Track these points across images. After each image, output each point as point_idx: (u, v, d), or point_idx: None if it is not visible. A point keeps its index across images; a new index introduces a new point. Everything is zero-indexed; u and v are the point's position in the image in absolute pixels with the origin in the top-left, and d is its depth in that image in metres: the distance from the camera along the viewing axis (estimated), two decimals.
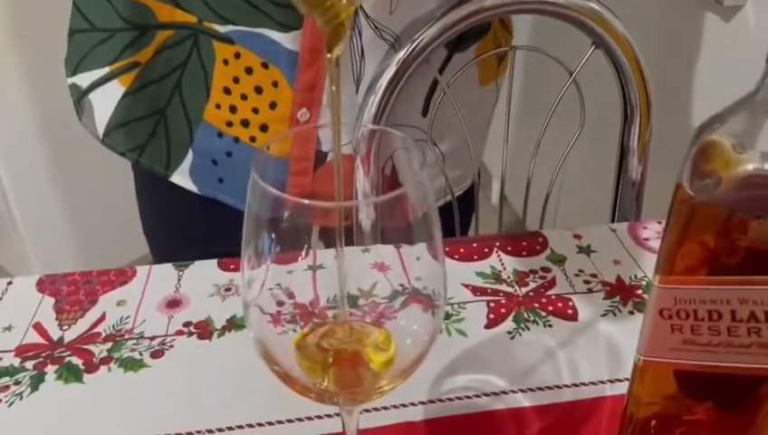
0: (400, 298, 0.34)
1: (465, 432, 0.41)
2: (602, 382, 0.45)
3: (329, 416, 0.42)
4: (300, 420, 0.42)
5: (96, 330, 0.48)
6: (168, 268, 0.54)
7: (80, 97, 0.65)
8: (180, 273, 0.53)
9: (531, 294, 0.52)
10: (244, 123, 0.60)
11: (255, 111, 0.59)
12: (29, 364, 0.45)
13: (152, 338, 0.47)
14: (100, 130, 0.65)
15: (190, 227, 0.69)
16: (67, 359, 0.45)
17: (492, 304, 0.51)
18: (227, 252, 0.53)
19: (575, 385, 0.44)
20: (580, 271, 0.55)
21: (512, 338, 0.48)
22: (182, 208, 0.67)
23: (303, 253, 0.34)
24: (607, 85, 0.66)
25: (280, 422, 0.41)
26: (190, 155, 0.62)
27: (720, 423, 0.34)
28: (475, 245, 0.57)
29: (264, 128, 0.59)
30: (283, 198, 0.27)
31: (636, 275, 0.54)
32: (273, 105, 0.58)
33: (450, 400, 0.43)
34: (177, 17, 0.57)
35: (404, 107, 0.61)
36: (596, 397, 0.43)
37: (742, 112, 0.30)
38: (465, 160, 0.69)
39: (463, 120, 0.65)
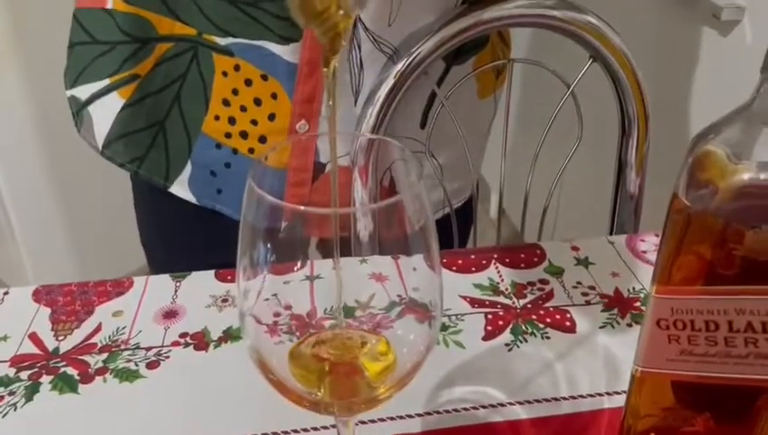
0: (397, 308, 0.34)
1: None
2: (600, 395, 0.44)
3: (325, 428, 0.41)
4: (296, 431, 0.41)
5: (92, 340, 0.48)
6: (164, 279, 0.54)
7: (79, 109, 0.65)
8: (177, 284, 0.53)
9: (529, 306, 0.52)
10: (243, 135, 0.60)
11: (254, 122, 0.59)
12: (24, 375, 0.45)
13: (148, 349, 0.47)
14: (100, 141, 0.65)
15: (188, 238, 0.69)
16: (62, 369, 0.45)
17: (490, 316, 0.51)
18: (225, 263, 0.53)
19: (573, 398, 0.44)
20: (578, 283, 0.55)
21: (509, 350, 0.48)
22: (180, 219, 0.67)
23: (300, 263, 0.34)
24: (604, 98, 0.67)
25: (275, 434, 0.41)
26: (189, 166, 0.62)
27: None
28: (472, 256, 0.57)
29: (262, 139, 0.60)
30: (280, 205, 0.27)
31: (634, 288, 0.54)
32: (271, 117, 0.58)
33: (447, 412, 0.43)
34: (176, 30, 0.58)
35: (402, 119, 0.61)
36: (594, 409, 0.43)
37: (737, 123, 0.30)
38: (463, 173, 0.70)
39: (461, 133, 0.65)
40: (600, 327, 0.50)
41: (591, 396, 0.44)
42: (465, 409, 0.43)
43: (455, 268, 0.56)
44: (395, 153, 0.37)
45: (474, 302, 0.52)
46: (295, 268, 0.34)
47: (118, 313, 0.50)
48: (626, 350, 0.48)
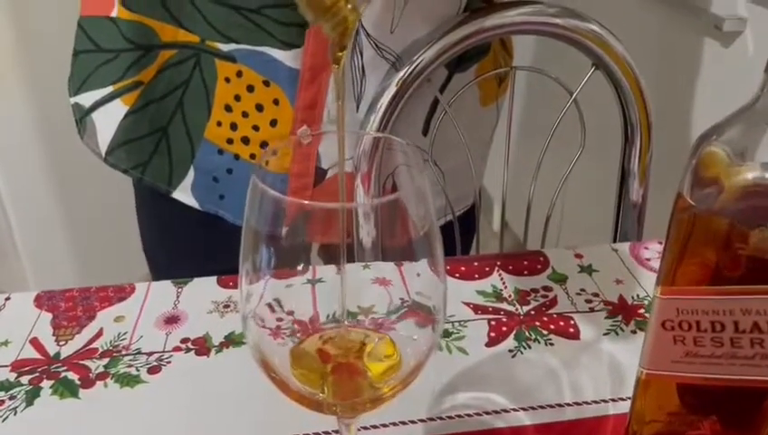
0: (400, 311, 0.34)
1: None
2: (605, 401, 0.44)
3: (327, 433, 0.41)
4: None
5: (93, 345, 0.48)
6: (166, 285, 0.53)
7: (82, 116, 0.65)
8: (179, 290, 0.53)
9: (532, 312, 0.52)
10: (245, 141, 0.60)
11: (256, 128, 0.59)
12: (24, 379, 0.45)
13: (149, 354, 0.47)
14: (103, 148, 0.65)
15: (190, 244, 0.69)
16: (63, 374, 0.45)
17: (493, 323, 0.50)
18: (226, 269, 0.53)
19: (577, 404, 0.44)
20: (582, 290, 0.54)
21: (513, 356, 0.48)
22: (182, 224, 0.67)
23: (302, 267, 0.34)
24: (607, 106, 0.67)
25: None
26: (192, 172, 0.62)
27: None
28: (476, 263, 0.57)
29: (264, 145, 0.60)
30: (283, 202, 0.27)
31: (638, 295, 0.54)
32: (273, 123, 0.59)
33: (451, 418, 0.42)
34: (179, 37, 0.58)
35: (404, 126, 0.61)
36: (598, 416, 0.43)
37: (741, 123, 0.30)
38: (465, 180, 0.69)
39: (463, 140, 0.65)
40: (605, 334, 0.50)
41: (596, 402, 0.44)
42: (469, 415, 0.43)
43: (458, 275, 0.56)
44: (398, 158, 0.37)
45: (477, 308, 0.52)
46: (297, 272, 0.34)
47: (119, 318, 0.50)
48: (630, 356, 0.47)
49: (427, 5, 0.57)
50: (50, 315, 0.50)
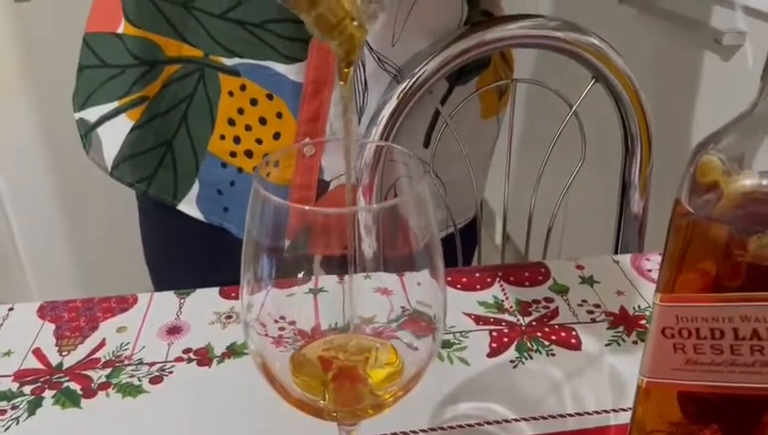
0: (401, 319, 0.34)
1: None
2: (606, 412, 0.44)
3: None
4: None
5: (95, 356, 0.48)
6: (169, 296, 0.54)
7: (87, 131, 0.66)
8: (181, 300, 0.53)
9: (534, 323, 0.52)
10: (248, 154, 0.60)
11: (259, 141, 0.60)
12: (27, 389, 0.45)
13: (151, 364, 0.47)
14: (109, 162, 0.65)
15: (194, 256, 0.69)
16: (65, 384, 0.45)
17: (494, 333, 0.51)
18: (229, 282, 0.53)
19: (579, 414, 0.44)
20: (584, 301, 0.54)
21: (514, 367, 0.48)
22: (186, 236, 0.67)
23: (303, 277, 0.34)
24: (607, 118, 0.67)
25: None
26: (197, 185, 0.63)
27: None
28: (477, 274, 0.57)
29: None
30: (285, 208, 0.28)
31: (639, 306, 0.54)
32: (276, 136, 0.59)
33: (452, 428, 0.42)
34: (184, 52, 0.59)
35: (406, 138, 0.62)
36: (600, 426, 0.43)
37: (738, 131, 0.30)
38: (466, 192, 0.70)
39: (465, 153, 0.66)
40: (606, 345, 0.50)
41: (597, 413, 0.44)
42: (470, 425, 0.43)
43: (459, 286, 0.56)
44: (400, 170, 0.37)
45: (478, 319, 0.52)
46: (299, 281, 0.34)
47: (122, 328, 0.50)
48: (632, 367, 0.47)
49: (428, 19, 0.58)
50: (53, 326, 0.51)
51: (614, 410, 0.44)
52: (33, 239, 1.59)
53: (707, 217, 0.30)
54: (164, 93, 0.61)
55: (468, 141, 0.66)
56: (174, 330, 0.50)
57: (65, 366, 0.47)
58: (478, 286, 0.56)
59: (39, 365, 0.47)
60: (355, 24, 0.30)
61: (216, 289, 0.54)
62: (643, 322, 0.52)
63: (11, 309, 0.53)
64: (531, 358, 0.48)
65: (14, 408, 0.43)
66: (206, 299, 0.53)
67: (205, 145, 0.61)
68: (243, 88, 0.58)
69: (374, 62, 0.57)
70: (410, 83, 0.58)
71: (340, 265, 0.33)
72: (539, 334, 0.50)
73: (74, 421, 0.42)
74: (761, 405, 0.32)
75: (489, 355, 0.48)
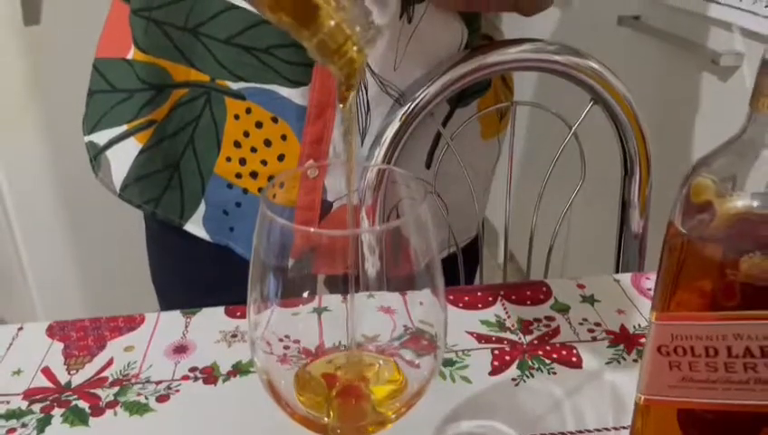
0: (403, 338, 0.35)
1: None
2: (607, 429, 0.44)
3: None
4: None
5: (103, 374, 0.48)
6: (175, 315, 0.55)
7: (97, 154, 0.67)
8: (188, 320, 0.54)
9: (535, 342, 0.52)
10: (253, 175, 0.62)
11: (264, 163, 0.61)
12: (36, 407, 0.45)
13: (158, 383, 0.48)
14: (118, 184, 0.67)
15: (200, 275, 0.70)
16: (74, 402, 0.46)
17: (496, 352, 0.51)
18: (235, 302, 0.54)
19: (580, 432, 0.44)
20: (584, 320, 0.55)
21: (516, 385, 0.48)
22: (192, 256, 0.68)
23: (308, 296, 0.35)
24: (607, 139, 0.68)
25: None
26: (203, 205, 0.64)
27: None
28: (479, 293, 0.58)
29: (271, 179, 0.61)
30: (290, 229, 0.29)
31: (639, 325, 0.54)
32: (281, 157, 0.60)
33: None
34: (191, 76, 0.60)
35: (408, 159, 0.63)
36: None
37: (729, 154, 0.31)
38: (468, 212, 0.71)
39: (466, 173, 0.67)
40: (607, 363, 0.50)
41: (598, 431, 0.44)
42: None
43: (461, 305, 0.56)
44: (402, 191, 0.38)
45: (480, 338, 0.53)
46: (304, 301, 0.35)
47: (129, 347, 0.51)
48: (632, 385, 0.47)
49: (429, 44, 0.59)
50: (61, 345, 0.52)
51: (615, 428, 0.44)
52: (39, 259, 1.61)
53: (700, 238, 0.31)
54: (171, 117, 0.62)
55: (469, 162, 0.67)
56: (180, 349, 0.51)
57: (74, 385, 0.48)
58: (480, 305, 0.57)
59: (48, 384, 0.48)
60: (355, 48, 0.31)
61: (222, 308, 0.55)
62: (643, 340, 0.52)
63: (20, 329, 0.53)
64: (532, 376, 0.49)
65: (23, 426, 0.44)
66: (212, 318, 0.54)
67: (211, 167, 0.62)
68: (248, 111, 0.59)
69: (376, 85, 0.59)
70: (412, 106, 0.60)
71: (344, 284, 0.34)
72: (540, 353, 0.51)
73: None
74: (758, 422, 0.33)
75: (491, 374, 0.49)
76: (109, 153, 0.66)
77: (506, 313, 0.56)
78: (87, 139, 0.68)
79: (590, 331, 0.54)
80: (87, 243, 1.62)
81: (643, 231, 0.70)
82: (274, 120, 0.59)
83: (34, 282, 1.61)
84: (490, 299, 0.57)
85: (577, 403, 0.46)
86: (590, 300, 0.57)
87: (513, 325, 0.54)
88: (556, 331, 0.53)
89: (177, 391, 0.47)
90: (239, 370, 0.49)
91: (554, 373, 0.49)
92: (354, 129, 0.32)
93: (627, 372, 0.49)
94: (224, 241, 0.65)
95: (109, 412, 0.45)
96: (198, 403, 0.46)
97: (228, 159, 0.62)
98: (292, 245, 0.31)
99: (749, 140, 0.30)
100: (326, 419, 0.31)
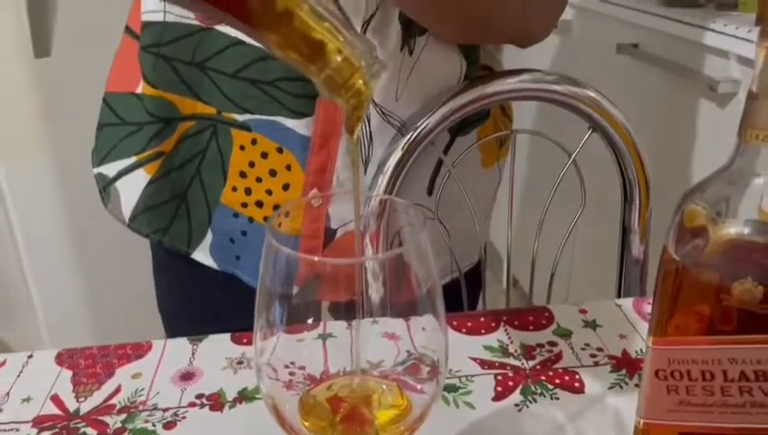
0: (406, 363, 0.36)
1: None
2: None
3: None
4: None
5: (111, 402, 0.49)
6: (182, 342, 0.55)
7: (106, 185, 0.69)
8: (194, 347, 0.55)
9: (538, 367, 0.53)
10: (259, 204, 0.63)
11: (269, 192, 0.62)
12: None
13: (165, 410, 0.48)
14: (126, 215, 0.68)
15: (206, 303, 0.71)
16: (82, 430, 0.46)
17: (499, 377, 0.52)
18: (240, 327, 0.54)
19: None
20: (587, 345, 0.55)
21: (519, 410, 0.48)
22: (199, 284, 0.69)
23: (313, 323, 0.36)
24: (606, 166, 0.69)
25: None
26: (210, 234, 0.65)
27: None
28: (482, 319, 0.58)
29: (277, 208, 0.63)
30: (295, 259, 0.30)
31: (641, 349, 0.55)
32: (286, 187, 0.62)
33: None
34: (198, 109, 0.62)
35: (410, 187, 0.64)
36: None
37: (721, 182, 0.32)
38: (470, 238, 0.72)
39: (467, 200, 0.68)
40: (609, 388, 0.51)
41: None
42: None
43: (464, 330, 0.57)
44: (402, 219, 0.39)
45: (483, 363, 0.53)
46: (308, 327, 0.36)
47: (137, 375, 0.52)
48: (634, 409, 0.48)
49: (429, 75, 0.61)
50: (70, 372, 0.52)
51: None
52: (48, 287, 1.62)
53: (693, 264, 0.31)
54: (179, 149, 0.64)
55: (470, 189, 0.68)
56: (187, 376, 0.52)
57: (82, 412, 0.48)
58: (483, 331, 0.57)
59: (57, 411, 0.48)
60: (361, 82, 0.32)
61: (228, 335, 0.56)
62: None
63: (30, 356, 0.54)
64: (535, 401, 0.49)
65: None
66: (218, 345, 0.55)
67: (217, 197, 0.64)
68: (254, 142, 0.61)
69: (378, 115, 0.60)
70: (414, 135, 0.61)
71: (347, 310, 0.35)
72: (543, 378, 0.51)
73: None
74: None
75: (494, 399, 0.49)
76: (118, 184, 0.68)
77: (509, 338, 0.56)
78: (96, 170, 0.69)
79: (593, 356, 0.54)
80: (95, 272, 1.63)
81: (644, 256, 0.71)
82: (279, 150, 0.60)
83: (42, 310, 1.62)
84: (493, 325, 0.58)
85: (580, 428, 0.47)
86: (592, 325, 0.58)
87: (515, 351, 0.55)
88: (559, 356, 0.54)
89: (184, 417, 0.48)
90: (245, 396, 0.49)
91: (557, 398, 0.49)
92: (359, 160, 0.33)
93: (629, 397, 0.50)
94: (230, 269, 0.66)
95: None
96: (205, 430, 0.46)
97: (234, 189, 0.63)
98: (296, 273, 0.32)
99: (738, 170, 0.31)
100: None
